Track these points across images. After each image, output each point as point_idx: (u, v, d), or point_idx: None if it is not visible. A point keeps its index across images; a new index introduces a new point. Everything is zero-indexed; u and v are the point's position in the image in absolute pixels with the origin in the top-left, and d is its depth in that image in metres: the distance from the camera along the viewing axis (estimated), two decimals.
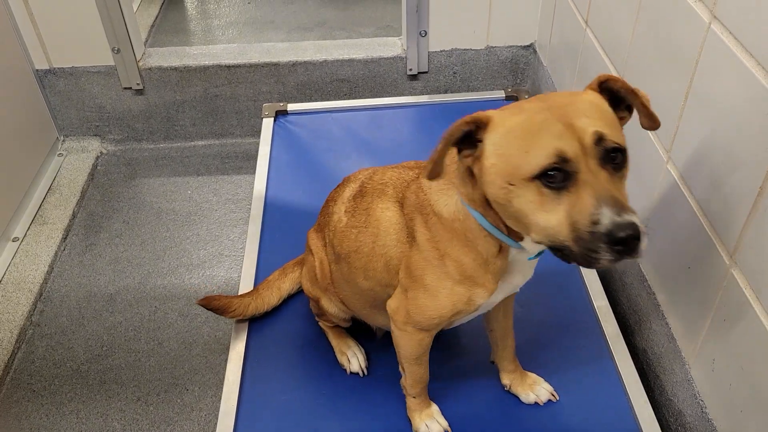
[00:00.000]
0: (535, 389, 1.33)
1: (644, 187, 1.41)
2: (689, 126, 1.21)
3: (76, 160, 2.36)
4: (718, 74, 1.10)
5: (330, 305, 1.35)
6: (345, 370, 1.39)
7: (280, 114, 2.15)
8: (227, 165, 2.36)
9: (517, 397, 1.34)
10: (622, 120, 0.95)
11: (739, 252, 1.06)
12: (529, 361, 1.40)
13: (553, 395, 1.33)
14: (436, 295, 1.05)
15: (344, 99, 2.34)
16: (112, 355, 1.74)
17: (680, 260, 1.27)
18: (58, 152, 2.39)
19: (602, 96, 0.93)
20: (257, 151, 1.99)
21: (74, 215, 2.16)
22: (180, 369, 1.71)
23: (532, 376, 1.35)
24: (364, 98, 2.32)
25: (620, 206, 0.82)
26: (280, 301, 1.50)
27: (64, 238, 2.08)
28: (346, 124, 2.13)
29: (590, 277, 1.58)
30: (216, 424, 1.37)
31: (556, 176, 0.83)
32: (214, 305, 1.42)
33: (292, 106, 2.17)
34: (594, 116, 0.86)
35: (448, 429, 1.28)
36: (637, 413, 1.30)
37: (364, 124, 2.13)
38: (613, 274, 1.61)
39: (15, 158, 2.11)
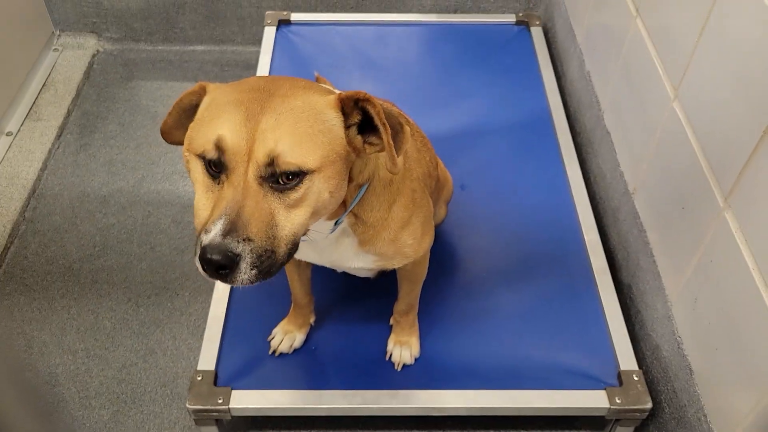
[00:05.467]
0: (401, 348, 1.33)
1: (647, 123, 1.39)
2: (700, 64, 1.18)
3: (72, 56, 2.31)
4: (737, 11, 1.06)
5: None
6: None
7: (283, 23, 2.08)
8: (226, 73, 2.31)
9: (496, 328, 1.37)
10: (371, 146, 0.86)
11: (734, 195, 1.06)
12: (516, 290, 1.43)
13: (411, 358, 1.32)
14: None
15: (350, 12, 2.27)
16: (104, 256, 1.76)
17: (675, 199, 1.27)
18: (54, 47, 2.33)
19: (353, 109, 0.84)
20: (257, 61, 1.94)
21: (69, 113, 2.13)
22: (171, 274, 1.73)
23: (413, 338, 1.34)
24: (371, 12, 2.25)
25: (233, 228, 0.76)
26: None
27: (59, 136, 2.06)
28: (350, 39, 2.07)
29: (584, 211, 1.58)
30: (204, 329, 1.40)
31: (214, 164, 0.80)
32: None
33: (295, 16, 2.11)
34: (288, 128, 0.79)
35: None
36: (615, 344, 1.34)
37: (369, 40, 2.07)
38: (607, 210, 1.62)
39: (9, 51, 2.05)
